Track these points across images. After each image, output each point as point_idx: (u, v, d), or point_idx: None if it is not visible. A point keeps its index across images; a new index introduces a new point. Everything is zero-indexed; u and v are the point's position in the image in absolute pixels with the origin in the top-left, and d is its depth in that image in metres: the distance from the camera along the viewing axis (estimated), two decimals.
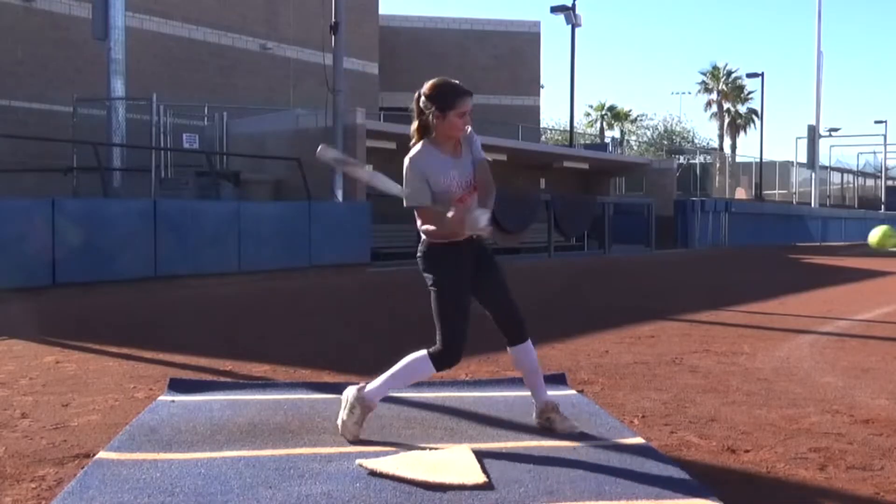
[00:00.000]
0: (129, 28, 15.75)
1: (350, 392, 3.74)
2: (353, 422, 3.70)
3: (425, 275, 3.73)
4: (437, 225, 3.62)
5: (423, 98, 3.63)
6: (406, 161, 3.65)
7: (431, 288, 3.70)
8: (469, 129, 3.72)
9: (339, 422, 3.74)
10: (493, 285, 3.81)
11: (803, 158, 40.02)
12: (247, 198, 14.75)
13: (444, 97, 3.61)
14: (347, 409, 3.72)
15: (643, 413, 4.31)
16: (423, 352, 3.69)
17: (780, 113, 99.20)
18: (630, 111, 56.13)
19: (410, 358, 3.72)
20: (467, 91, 3.67)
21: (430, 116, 3.61)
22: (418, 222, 3.71)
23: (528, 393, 4.56)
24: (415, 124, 3.69)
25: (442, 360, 3.67)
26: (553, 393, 4.69)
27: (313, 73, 20.44)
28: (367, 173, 3.80)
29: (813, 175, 39.16)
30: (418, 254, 3.77)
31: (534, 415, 3.96)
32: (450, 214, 3.56)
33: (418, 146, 3.67)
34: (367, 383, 3.80)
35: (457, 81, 3.71)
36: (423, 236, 3.75)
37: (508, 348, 3.88)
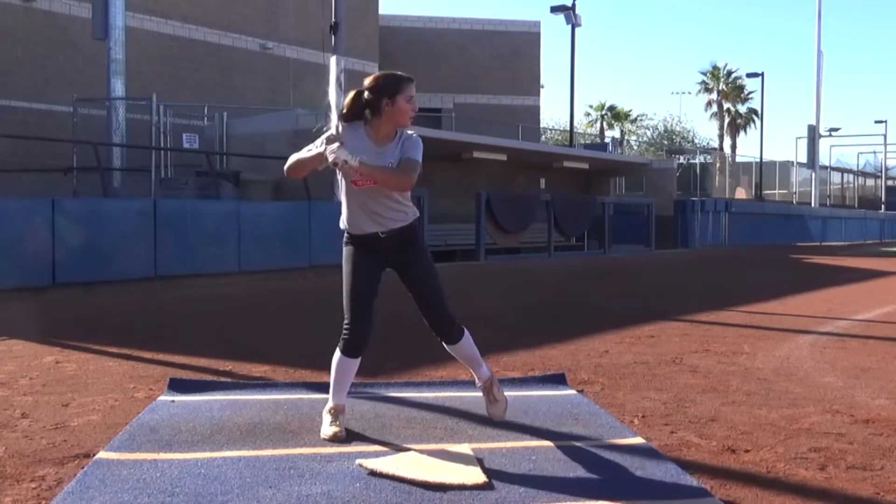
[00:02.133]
0: (129, 28, 15.75)
1: (323, 413, 3.88)
2: (327, 425, 3.79)
3: None
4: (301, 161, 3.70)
5: (366, 93, 3.70)
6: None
7: None
8: (414, 135, 3.78)
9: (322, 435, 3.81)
10: (412, 283, 3.87)
11: (803, 158, 40.05)
12: (247, 198, 14.75)
13: (391, 85, 3.71)
14: (325, 422, 3.82)
15: (643, 413, 4.31)
16: (337, 350, 3.79)
17: (780, 113, 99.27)
18: (630, 111, 56.15)
19: (334, 359, 3.82)
20: (410, 77, 3.77)
21: (380, 107, 3.67)
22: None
23: (529, 393, 4.58)
24: (345, 110, 3.74)
25: (348, 349, 3.76)
26: (553, 393, 4.70)
27: (313, 73, 20.48)
28: (335, 95, 3.85)
29: (813, 175, 39.17)
30: None
31: (476, 384, 4.09)
32: (313, 151, 3.63)
33: (345, 123, 3.73)
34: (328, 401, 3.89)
35: (399, 72, 3.81)
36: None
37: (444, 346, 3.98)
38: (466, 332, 3.96)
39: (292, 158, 3.73)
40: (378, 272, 3.82)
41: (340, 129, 3.69)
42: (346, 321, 3.75)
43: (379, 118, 3.71)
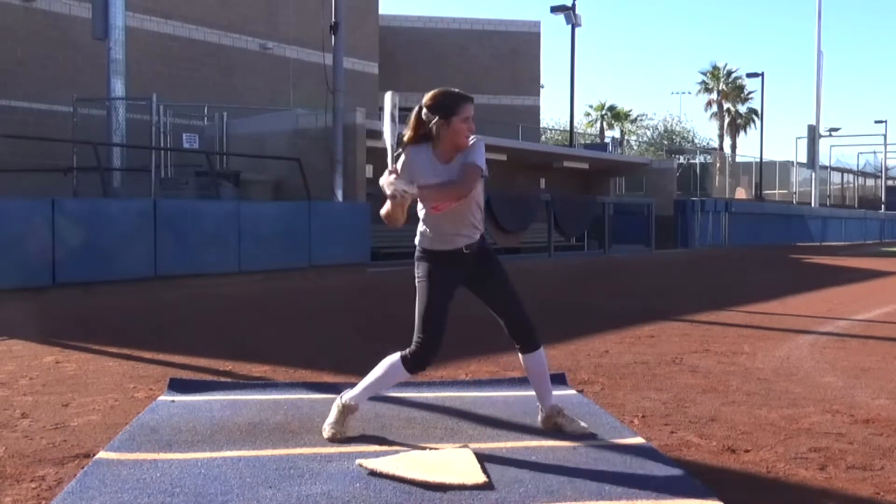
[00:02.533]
0: (129, 28, 15.74)
1: (334, 403, 3.81)
2: (332, 422, 3.76)
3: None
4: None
5: (424, 110, 3.63)
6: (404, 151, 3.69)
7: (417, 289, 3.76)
8: (474, 139, 3.71)
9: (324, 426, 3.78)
10: (495, 293, 3.83)
11: (803, 158, 40.06)
12: (247, 198, 14.75)
13: (447, 104, 3.64)
14: (332, 416, 3.78)
15: (643, 413, 4.31)
16: (397, 355, 3.72)
17: (780, 113, 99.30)
18: (630, 111, 56.13)
19: (387, 362, 3.75)
20: (468, 97, 3.70)
21: (434, 127, 3.61)
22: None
23: (529, 393, 4.57)
24: (409, 132, 3.67)
25: (412, 364, 3.69)
26: (553, 393, 4.69)
27: (313, 73, 20.44)
28: (389, 132, 3.75)
29: (813, 175, 39.18)
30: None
31: (539, 418, 3.97)
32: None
33: (412, 146, 3.67)
34: (346, 391, 3.83)
35: (457, 89, 3.74)
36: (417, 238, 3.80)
37: (519, 354, 3.90)
38: (542, 347, 3.89)
39: (382, 211, 3.63)
40: (454, 291, 3.77)
41: (400, 159, 3.62)
42: (419, 337, 3.67)
43: (437, 139, 3.65)
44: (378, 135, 17.13)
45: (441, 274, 3.72)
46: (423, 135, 3.66)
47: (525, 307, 3.86)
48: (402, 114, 3.71)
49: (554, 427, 3.89)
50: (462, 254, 3.73)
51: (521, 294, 3.88)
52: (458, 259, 3.73)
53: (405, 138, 3.70)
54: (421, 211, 3.75)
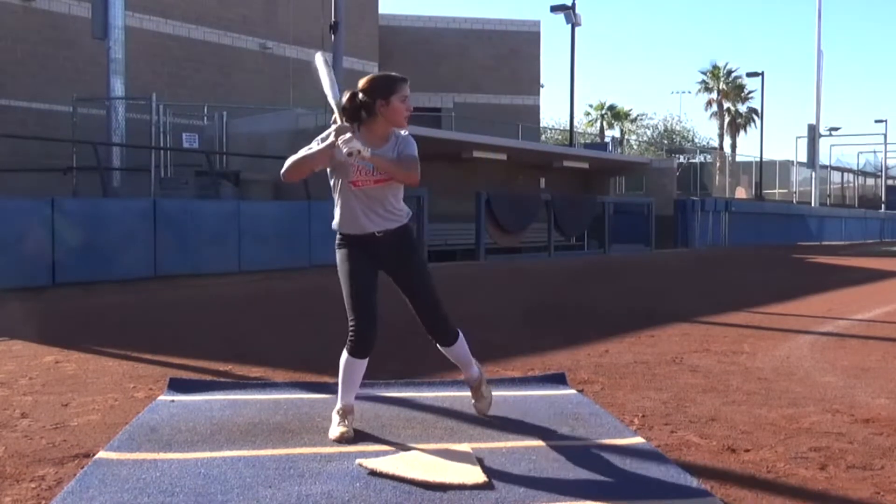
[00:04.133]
0: (129, 27, 15.75)
1: (334, 410, 3.85)
2: (336, 424, 3.77)
3: None
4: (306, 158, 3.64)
5: (360, 94, 3.69)
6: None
7: None
8: (407, 133, 3.77)
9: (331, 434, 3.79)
10: (405, 284, 3.87)
11: (803, 158, 40.07)
12: (247, 197, 14.75)
13: (385, 85, 3.72)
14: (334, 421, 3.80)
15: (643, 413, 4.30)
16: (344, 351, 3.77)
17: (780, 112, 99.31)
18: (630, 110, 56.21)
19: (341, 361, 3.80)
20: (404, 77, 3.78)
21: (374, 108, 3.67)
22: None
23: (529, 393, 4.58)
24: (336, 115, 3.70)
25: (355, 350, 3.74)
26: (553, 393, 4.70)
27: (313, 72, 20.43)
28: (332, 92, 3.77)
29: (813, 174, 39.18)
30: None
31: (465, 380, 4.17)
32: (323, 144, 3.58)
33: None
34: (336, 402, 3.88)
35: (393, 73, 3.83)
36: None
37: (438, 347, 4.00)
38: (461, 334, 3.97)
39: (291, 160, 3.67)
40: (375, 272, 3.81)
41: (330, 133, 3.63)
42: (351, 322, 3.73)
43: (374, 119, 3.71)
44: None
45: (356, 257, 3.77)
46: (353, 115, 3.70)
47: (437, 302, 3.89)
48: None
49: (472, 391, 4.14)
50: (375, 238, 3.76)
51: (437, 291, 3.91)
52: (372, 242, 3.77)
53: (335, 117, 3.72)
54: (336, 193, 3.77)
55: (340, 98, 3.72)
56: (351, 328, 3.73)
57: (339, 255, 3.82)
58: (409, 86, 3.77)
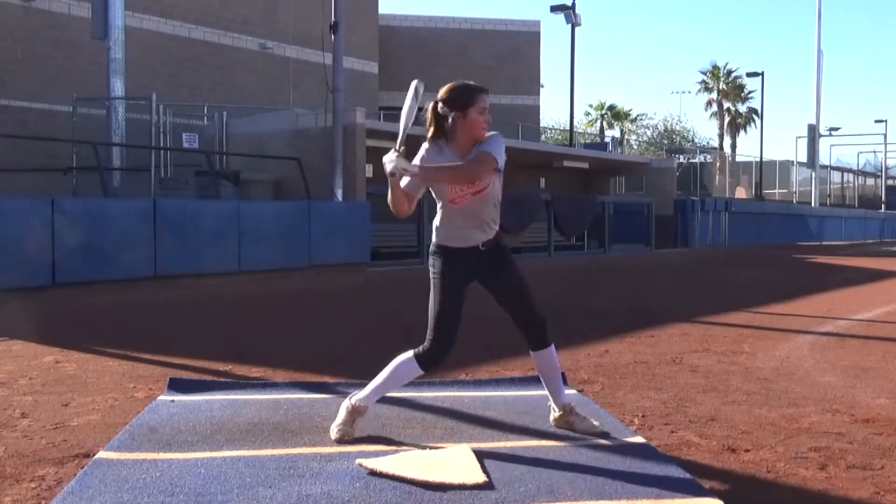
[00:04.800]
0: (129, 27, 15.75)
1: (343, 404, 3.79)
2: (340, 423, 3.74)
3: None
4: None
5: (440, 105, 3.64)
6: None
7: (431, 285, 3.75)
8: (493, 134, 3.71)
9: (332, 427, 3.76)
10: (505, 290, 3.80)
11: (803, 158, 40.06)
12: (246, 197, 14.74)
13: (462, 96, 3.65)
14: (340, 417, 3.76)
15: (643, 413, 4.31)
16: (410, 353, 3.71)
17: (780, 112, 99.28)
18: (630, 110, 56.22)
19: (398, 361, 3.74)
20: (483, 88, 3.72)
21: (451, 120, 3.63)
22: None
23: (529, 392, 4.57)
24: (428, 128, 3.69)
25: (427, 361, 3.69)
26: None
27: (313, 72, 20.46)
28: (405, 118, 3.70)
29: (813, 174, 39.18)
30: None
31: (551, 417, 3.96)
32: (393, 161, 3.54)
33: (430, 143, 3.69)
34: (355, 393, 3.82)
35: (471, 82, 3.75)
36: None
37: (530, 351, 3.89)
38: (553, 345, 3.87)
39: (389, 198, 3.63)
40: (467, 286, 3.76)
41: (422, 154, 3.64)
42: (431, 337, 3.66)
43: (454, 133, 3.66)
44: (378, 134, 17.02)
45: (455, 271, 3.71)
46: (440, 130, 3.67)
47: (535, 305, 3.83)
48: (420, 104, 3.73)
49: (566, 425, 3.88)
50: (478, 251, 3.72)
51: (534, 291, 3.86)
52: (474, 256, 3.72)
53: (427, 135, 3.70)
54: (439, 205, 3.75)
55: (409, 125, 3.64)
56: (431, 339, 3.66)
57: (437, 266, 3.73)
58: (488, 98, 3.69)
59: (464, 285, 3.74)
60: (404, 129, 3.63)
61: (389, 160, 3.49)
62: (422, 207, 15.82)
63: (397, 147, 3.57)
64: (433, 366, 3.72)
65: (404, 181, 3.57)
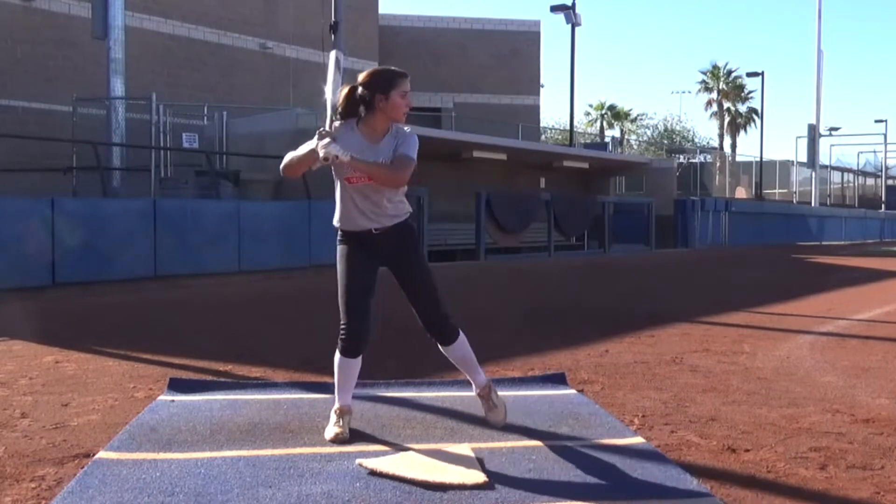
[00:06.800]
0: (129, 27, 15.74)
1: (332, 409, 3.85)
2: (332, 424, 3.77)
3: None
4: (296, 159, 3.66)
5: (359, 89, 3.68)
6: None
7: None
8: (409, 130, 3.76)
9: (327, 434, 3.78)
10: (407, 282, 3.85)
11: (803, 158, 40.06)
12: (247, 197, 14.74)
13: (385, 79, 3.69)
14: (331, 420, 3.80)
15: (643, 413, 4.30)
16: (336, 351, 3.77)
17: (780, 112, 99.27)
18: (630, 110, 56.26)
19: (335, 360, 3.80)
20: (405, 73, 3.75)
21: (371, 102, 3.65)
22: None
23: (529, 393, 4.57)
24: (341, 110, 3.71)
25: (346, 350, 3.74)
26: (553, 393, 4.70)
27: (313, 72, 20.47)
28: (332, 93, 3.76)
29: (813, 174, 39.18)
30: None
31: (473, 392, 4.04)
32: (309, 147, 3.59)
33: (346, 122, 3.72)
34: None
35: (393, 67, 3.80)
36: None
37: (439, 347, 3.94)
38: (462, 334, 3.91)
39: (287, 157, 3.70)
40: (373, 270, 3.79)
41: (335, 125, 3.68)
42: (342, 321, 3.73)
43: (373, 114, 3.69)
44: None
45: (353, 255, 3.76)
46: (351, 110, 3.70)
47: (438, 302, 3.85)
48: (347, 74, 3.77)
49: (486, 402, 3.97)
50: (373, 235, 3.74)
51: (438, 289, 3.87)
52: (370, 240, 3.75)
53: (337, 111, 3.73)
54: (337, 183, 3.77)
55: (337, 100, 3.71)
56: (342, 327, 3.73)
57: (338, 252, 3.82)
58: (411, 85, 3.75)
59: (365, 270, 3.75)
60: (333, 105, 3.69)
61: (323, 145, 3.53)
62: (422, 207, 15.87)
63: (328, 126, 3.63)
64: (354, 351, 3.73)
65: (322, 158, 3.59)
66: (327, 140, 3.55)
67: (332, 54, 3.73)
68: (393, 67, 3.79)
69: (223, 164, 17.03)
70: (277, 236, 13.28)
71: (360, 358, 3.78)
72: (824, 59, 38.81)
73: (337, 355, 3.78)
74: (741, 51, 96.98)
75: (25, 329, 7.11)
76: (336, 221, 3.82)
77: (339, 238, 3.84)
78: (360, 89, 3.68)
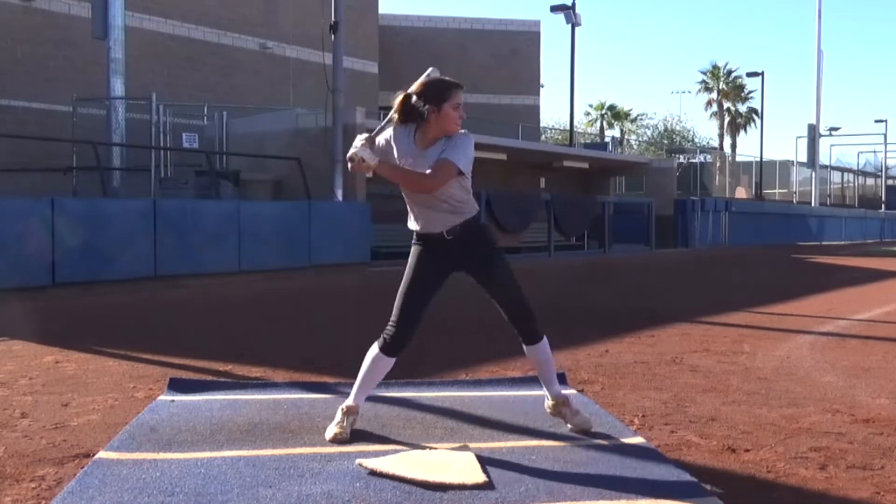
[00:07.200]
0: (129, 27, 15.74)
1: (339, 406, 3.81)
2: (334, 423, 3.75)
3: None
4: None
5: (413, 98, 3.64)
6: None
7: None
8: (465, 133, 3.70)
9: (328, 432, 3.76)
10: (491, 283, 3.80)
11: (803, 157, 40.06)
12: (247, 197, 14.75)
13: (437, 92, 3.65)
14: (336, 418, 3.78)
15: (643, 413, 4.30)
16: (375, 345, 3.75)
17: (780, 112, 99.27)
18: (630, 110, 56.24)
19: (368, 356, 3.78)
20: (459, 83, 3.71)
21: (426, 114, 3.62)
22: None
23: (529, 392, 4.56)
24: (395, 115, 3.69)
25: (389, 348, 3.73)
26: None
27: (313, 72, 20.46)
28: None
29: (813, 174, 39.18)
30: None
31: (546, 404, 3.99)
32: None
33: (405, 125, 3.70)
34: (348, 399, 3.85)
35: (447, 77, 3.75)
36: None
37: (523, 346, 3.89)
38: (545, 338, 3.86)
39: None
40: (441, 278, 3.76)
41: (390, 132, 3.70)
42: (392, 322, 3.70)
43: (427, 123, 3.65)
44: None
45: (423, 259, 3.74)
46: (408, 115, 3.67)
47: (525, 299, 3.82)
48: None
49: (558, 416, 3.91)
50: (444, 239, 3.70)
51: (521, 286, 3.84)
52: (441, 244, 3.71)
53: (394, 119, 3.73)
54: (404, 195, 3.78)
55: (385, 130, 3.73)
56: (390, 328, 3.70)
57: (411, 251, 3.79)
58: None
59: (431, 275, 3.73)
60: (380, 129, 3.73)
61: (355, 146, 3.58)
62: None
63: (372, 135, 3.66)
64: (396, 351, 3.73)
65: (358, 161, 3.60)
66: (361, 145, 3.58)
67: (431, 70, 3.74)
68: (447, 78, 3.73)
69: (223, 164, 17.04)
70: (277, 236, 13.28)
71: (394, 360, 3.76)
72: (824, 59, 38.86)
73: (374, 350, 3.74)
74: (741, 51, 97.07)
75: (25, 329, 7.11)
76: (411, 224, 3.79)
77: (413, 238, 3.80)
78: (413, 98, 3.63)
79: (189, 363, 5.64)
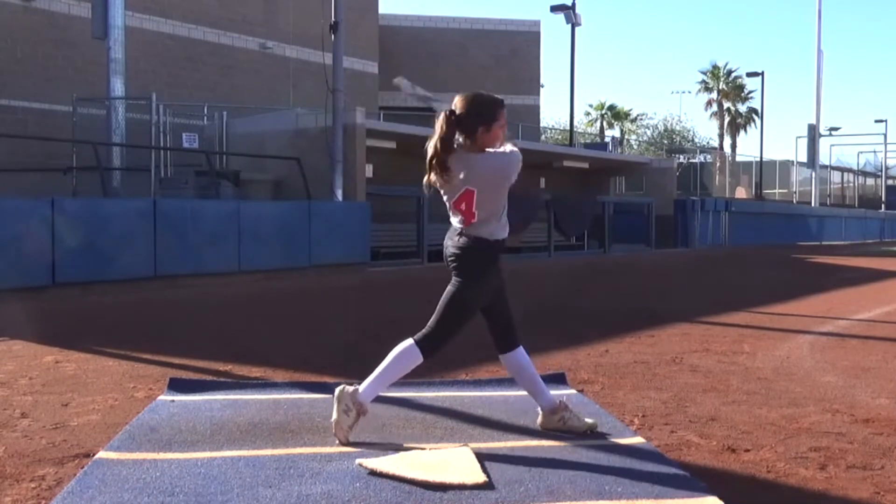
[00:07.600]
0: (129, 27, 15.74)
1: (345, 394, 3.64)
2: (348, 425, 3.63)
3: (461, 267, 3.72)
4: None
5: (460, 116, 3.58)
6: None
7: (459, 280, 3.72)
8: (512, 148, 3.66)
9: (333, 422, 3.66)
10: (498, 293, 3.85)
11: (803, 157, 40.07)
12: (246, 197, 14.74)
13: (488, 112, 3.63)
14: (342, 411, 3.63)
15: (643, 413, 4.30)
16: (410, 341, 3.68)
17: (780, 112, 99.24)
18: (630, 110, 56.27)
19: (399, 349, 3.69)
20: (503, 101, 3.73)
21: (474, 132, 3.59)
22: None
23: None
24: (438, 142, 3.58)
25: (428, 347, 3.68)
26: (553, 392, 4.68)
27: (313, 72, 20.45)
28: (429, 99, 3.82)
29: (813, 174, 39.18)
30: (462, 245, 3.71)
31: (538, 420, 3.92)
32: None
33: (455, 154, 3.63)
34: (357, 384, 3.74)
35: (487, 94, 3.71)
36: (471, 233, 3.69)
37: (500, 356, 3.91)
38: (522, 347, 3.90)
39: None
40: (496, 291, 3.83)
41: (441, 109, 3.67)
42: (441, 331, 3.69)
43: (472, 140, 3.61)
44: (378, 134, 16.97)
45: (492, 278, 3.79)
46: (449, 139, 3.59)
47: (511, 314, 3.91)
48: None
49: (561, 424, 3.84)
50: (504, 245, 3.76)
51: (523, 286, 3.90)
52: (500, 251, 3.77)
53: (435, 139, 3.61)
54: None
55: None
56: (438, 335, 3.69)
57: (486, 265, 3.75)
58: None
59: (491, 293, 3.80)
60: (428, 97, 3.80)
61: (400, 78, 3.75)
62: (422, 207, 15.88)
63: (445, 110, 3.62)
64: (434, 352, 3.71)
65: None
66: (412, 88, 3.77)
67: (402, 82, 3.78)
68: (494, 96, 3.70)
69: (223, 164, 17.03)
70: (277, 236, 13.27)
71: (424, 360, 3.73)
72: (824, 59, 38.85)
73: (409, 343, 3.66)
74: (741, 51, 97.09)
75: (25, 329, 7.11)
76: (495, 233, 3.75)
77: (476, 245, 3.74)
78: (458, 113, 3.58)
79: (189, 363, 5.64)
